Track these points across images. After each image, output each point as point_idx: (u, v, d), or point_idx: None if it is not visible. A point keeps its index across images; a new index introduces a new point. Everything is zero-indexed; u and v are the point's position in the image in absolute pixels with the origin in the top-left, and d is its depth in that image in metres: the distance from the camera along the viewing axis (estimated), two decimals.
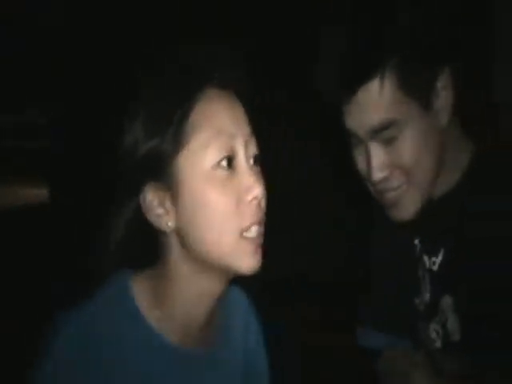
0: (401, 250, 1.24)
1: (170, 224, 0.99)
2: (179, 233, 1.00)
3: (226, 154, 0.96)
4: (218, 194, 0.97)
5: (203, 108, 0.97)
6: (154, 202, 0.99)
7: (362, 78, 1.05)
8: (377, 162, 1.09)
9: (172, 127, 0.95)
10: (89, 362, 1.00)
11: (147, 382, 1.03)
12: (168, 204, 0.99)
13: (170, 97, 0.97)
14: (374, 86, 1.06)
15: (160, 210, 0.99)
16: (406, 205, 1.12)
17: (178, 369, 1.06)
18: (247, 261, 0.99)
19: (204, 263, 1.01)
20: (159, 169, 0.97)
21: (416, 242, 1.21)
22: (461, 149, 1.15)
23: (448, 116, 1.09)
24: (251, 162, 1.00)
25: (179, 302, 1.04)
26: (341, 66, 1.07)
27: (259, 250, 0.99)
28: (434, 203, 1.15)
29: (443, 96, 1.08)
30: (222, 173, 0.97)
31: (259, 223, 0.99)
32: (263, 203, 1.00)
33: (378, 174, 1.09)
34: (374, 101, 1.06)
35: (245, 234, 0.98)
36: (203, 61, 0.99)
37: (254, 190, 0.98)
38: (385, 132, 1.06)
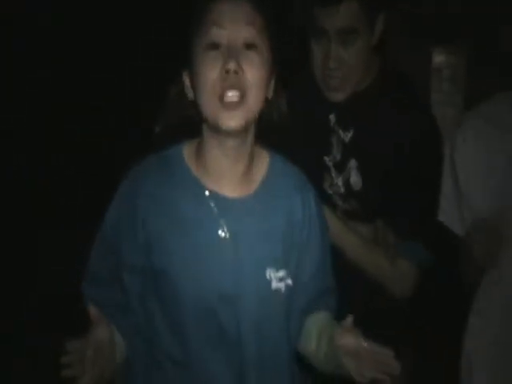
0: (318, 120, 1.78)
1: (190, 95, 1.35)
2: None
3: (213, 40, 1.29)
4: (204, 66, 1.30)
5: (211, 9, 1.33)
6: (185, 80, 1.37)
7: None
8: (335, 55, 1.64)
9: (194, 23, 1.34)
10: (144, 196, 1.34)
11: (186, 221, 1.34)
12: (187, 80, 1.36)
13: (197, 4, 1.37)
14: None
15: (186, 84, 1.36)
16: (343, 90, 1.70)
17: (214, 210, 1.35)
18: (225, 120, 1.29)
19: (208, 124, 1.32)
20: (187, 55, 1.35)
21: (331, 116, 1.77)
22: (373, 61, 1.75)
23: (376, 39, 1.69)
24: (238, 46, 1.31)
25: (210, 158, 1.36)
26: None
27: (236, 112, 1.29)
28: (354, 94, 1.73)
29: (379, 26, 1.68)
30: (210, 53, 1.29)
31: (234, 89, 1.28)
32: (243, 76, 1.29)
33: (334, 63, 1.64)
34: (350, 10, 1.62)
35: (223, 97, 1.28)
36: None
37: (228, 64, 1.27)
38: (348, 35, 1.62)
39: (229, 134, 1.32)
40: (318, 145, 1.77)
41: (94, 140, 3.43)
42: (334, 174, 1.84)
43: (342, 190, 1.84)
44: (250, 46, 1.32)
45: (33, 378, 2.67)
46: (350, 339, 1.22)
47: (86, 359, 1.15)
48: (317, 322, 1.41)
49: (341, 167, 1.82)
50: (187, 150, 1.41)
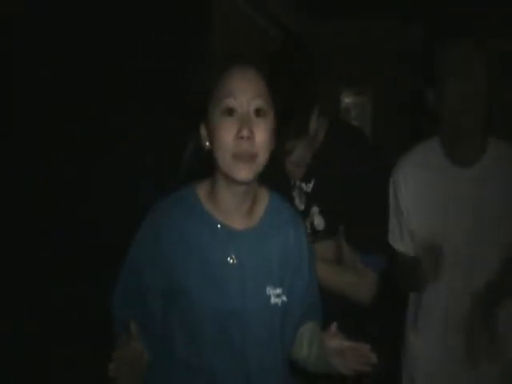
0: (281, 178, 2.11)
1: (207, 144, 1.63)
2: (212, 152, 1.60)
3: (228, 107, 1.56)
4: (222, 129, 1.56)
5: (226, 79, 1.59)
6: (202, 131, 1.65)
7: None
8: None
9: (212, 90, 1.60)
10: (165, 232, 1.60)
11: (201, 249, 1.59)
12: (205, 132, 1.63)
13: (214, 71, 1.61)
14: None
15: (203, 134, 1.64)
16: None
17: (225, 240, 1.62)
18: (238, 175, 1.57)
19: (223, 172, 1.59)
20: (205, 111, 1.60)
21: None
22: (321, 124, 2.13)
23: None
24: (251, 113, 1.56)
25: (221, 197, 1.63)
26: None
27: (248, 169, 1.56)
28: (312, 153, 2.13)
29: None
30: (227, 118, 1.57)
31: (247, 152, 1.55)
32: (254, 140, 1.55)
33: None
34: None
35: (236, 157, 1.55)
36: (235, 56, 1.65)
37: (242, 132, 1.54)
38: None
39: (239, 183, 1.59)
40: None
41: (94, 140, 3.43)
42: None
43: (308, 231, 2.12)
44: (258, 113, 1.58)
45: None
46: (335, 341, 1.50)
47: (126, 366, 1.41)
48: (307, 332, 1.69)
49: (304, 214, 2.14)
50: (201, 190, 1.67)
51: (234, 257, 1.62)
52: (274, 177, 1.92)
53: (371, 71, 6.07)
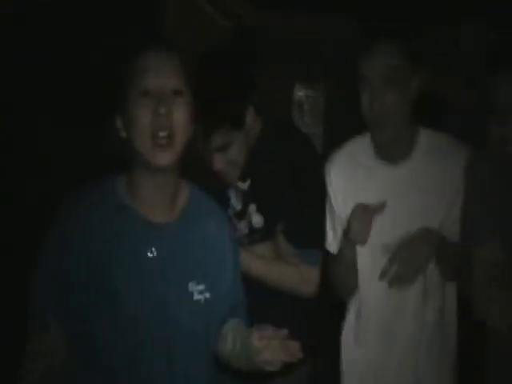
0: (213, 180, 1.96)
1: (122, 135, 1.56)
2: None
3: (145, 88, 1.50)
4: (138, 111, 1.50)
5: (142, 61, 1.53)
6: (117, 122, 1.58)
7: None
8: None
9: (126, 74, 1.54)
10: (81, 227, 1.53)
11: (120, 243, 1.53)
12: (121, 123, 1.57)
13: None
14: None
15: (119, 125, 1.57)
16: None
17: (144, 233, 1.55)
18: (157, 159, 1.50)
19: (140, 160, 1.53)
20: (120, 101, 1.55)
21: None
22: (257, 120, 2.04)
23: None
24: (167, 93, 1.51)
25: (141, 188, 1.56)
26: None
27: (167, 152, 1.50)
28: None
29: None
30: (143, 99, 1.50)
31: (165, 130, 1.50)
32: (171, 119, 1.50)
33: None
34: None
35: (154, 138, 1.49)
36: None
37: (159, 108, 1.48)
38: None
39: (159, 169, 1.53)
40: (217, 199, 1.86)
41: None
42: (235, 222, 2.09)
43: (246, 231, 2.09)
44: (177, 93, 1.53)
45: None
46: (263, 342, 1.48)
47: (38, 363, 1.41)
48: (231, 329, 1.66)
49: (242, 214, 2.09)
50: (119, 181, 1.59)
51: (153, 250, 1.55)
52: (206, 176, 1.93)
53: (323, 64, 6.01)
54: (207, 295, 1.61)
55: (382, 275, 2.01)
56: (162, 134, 1.50)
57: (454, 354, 2.12)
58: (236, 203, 2.12)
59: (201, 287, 1.60)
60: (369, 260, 2.06)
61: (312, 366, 2.17)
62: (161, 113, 1.49)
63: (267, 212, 2.06)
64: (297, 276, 2.03)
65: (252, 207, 2.09)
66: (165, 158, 1.52)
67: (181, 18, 4.48)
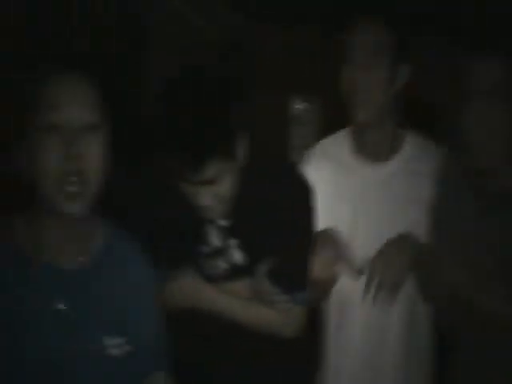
0: (191, 214, 1.71)
1: (26, 175, 1.30)
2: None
3: (51, 122, 1.26)
4: (43, 151, 1.27)
5: (45, 91, 1.29)
6: (18, 152, 1.32)
7: None
8: None
9: (26, 106, 1.29)
10: None
11: (19, 295, 1.29)
12: (23, 154, 1.31)
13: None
14: None
15: (21, 161, 1.32)
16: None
17: (48, 282, 1.32)
18: (66, 208, 1.29)
19: (46, 203, 1.30)
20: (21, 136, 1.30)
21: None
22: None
23: None
24: (77, 129, 1.27)
25: (43, 233, 1.33)
26: None
27: (78, 200, 1.29)
28: None
29: None
30: (49, 136, 1.26)
31: (75, 175, 1.27)
32: (83, 161, 1.27)
33: None
34: None
35: (63, 184, 1.27)
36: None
37: (68, 150, 1.26)
38: None
39: (65, 218, 1.31)
40: (191, 236, 1.77)
41: None
42: (213, 259, 1.83)
43: (225, 266, 1.84)
44: (90, 128, 1.29)
45: None
46: None
47: None
48: (153, 382, 1.49)
49: (220, 251, 1.84)
50: (16, 226, 1.35)
51: (61, 301, 1.34)
52: (182, 209, 1.73)
53: (320, 77, 5.88)
54: (126, 347, 1.40)
55: (364, 294, 1.88)
56: (72, 179, 1.29)
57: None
58: (215, 239, 1.86)
59: (117, 340, 1.39)
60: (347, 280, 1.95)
61: None
62: (71, 154, 1.27)
63: (249, 248, 1.84)
64: (279, 317, 1.82)
65: (232, 242, 1.85)
66: (75, 208, 1.30)
67: (167, 32, 4.31)
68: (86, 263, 1.39)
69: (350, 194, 2.01)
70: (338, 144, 2.10)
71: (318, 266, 1.86)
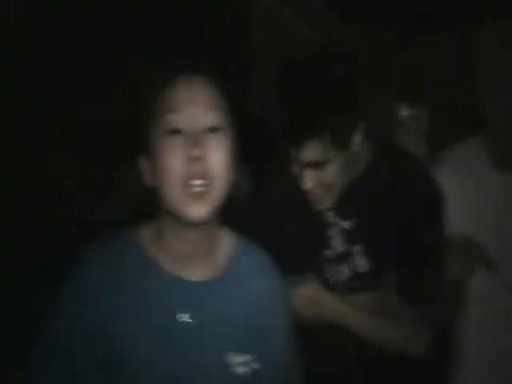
0: (313, 217, 1.71)
1: (148, 182, 1.30)
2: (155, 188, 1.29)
3: (173, 127, 1.24)
4: (166, 154, 1.24)
5: (166, 93, 1.27)
6: (141, 165, 1.32)
7: None
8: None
9: (147, 109, 1.29)
10: (98, 289, 1.26)
11: (145, 308, 1.26)
12: (145, 166, 1.30)
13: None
14: None
15: (143, 169, 1.31)
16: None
17: (175, 295, 1.29)
18: (190, 211, 1.24)
19: (171, 211, 1.27)
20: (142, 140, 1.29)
21: (330, 213, 1.73)
22: (366, 144, 1.71)
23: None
24: (201, 131, 1.24)
25: (170, 243, 1.31)
26: None
27: (202, 203, 1.24)
28: (350, 183, 1.68)
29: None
30: (171, 139, 1.24)
31: (200, 178, 1.23)
32: (207, 163, 1.23)
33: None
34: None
35: (187, 186, 1.23)
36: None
37: (192, 150, 1.22)
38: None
39: (193, 223, 1.28)
40: (314, 241, 1.72)
41: None
42: (336, 265, 1.76)
43: (348, 274, 1.76)
44: (213, 130, 1.26)
45: None
46: None
47: None
48: None
49: (344, 256, 1.76)
50: (144, 235, 1.34)
51: (188, 315, 1.30)
52: (301, 211, 1.70)
53: (428, 82, 5.69)
54: (254, 365, 1.34)
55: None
56: (196, 182, 1.25)
57: None
58: (338, 244, 1.78)
59: (245, 358, 1.33)
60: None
61: None
62: (194, 155, 1.23)
63: (373, 255, 1.73)
64: (406, 333, 1.73)
65: (357, 247, 1.75)
66: (200, 211, 1.26)
67: (267, 32, 4.25)
68: (213, 275, 1.36)
69: (487, 204, 1.87)
70: (472, 150, 1.95)
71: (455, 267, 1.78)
